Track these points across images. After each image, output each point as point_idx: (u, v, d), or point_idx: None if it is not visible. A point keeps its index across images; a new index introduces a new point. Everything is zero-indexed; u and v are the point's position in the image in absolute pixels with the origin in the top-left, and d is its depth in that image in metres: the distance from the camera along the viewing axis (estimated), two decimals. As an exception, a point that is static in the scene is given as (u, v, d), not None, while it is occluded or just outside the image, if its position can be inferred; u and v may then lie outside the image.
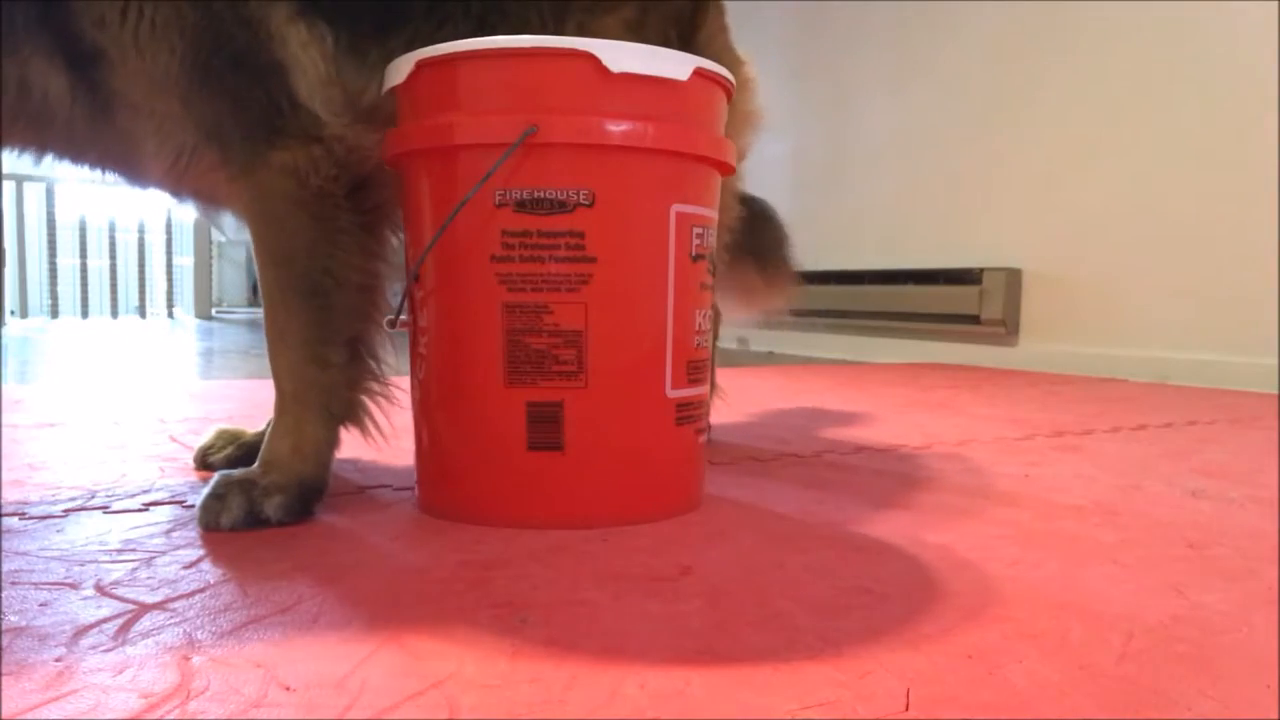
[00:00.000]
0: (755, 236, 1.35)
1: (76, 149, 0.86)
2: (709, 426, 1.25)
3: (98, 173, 0.90)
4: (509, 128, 0.73)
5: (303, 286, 0.82)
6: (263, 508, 0.77)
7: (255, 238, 0.84)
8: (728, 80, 0.83)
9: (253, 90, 0.81)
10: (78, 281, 5.96)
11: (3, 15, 0.77)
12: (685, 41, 1.02)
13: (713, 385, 1.28)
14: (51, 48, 0.79)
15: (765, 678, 0.47)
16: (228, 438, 1.02)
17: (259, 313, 1.10)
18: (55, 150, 0.86)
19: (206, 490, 0.78)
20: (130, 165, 0.87)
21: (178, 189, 0.89)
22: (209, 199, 0.90)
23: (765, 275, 1.38)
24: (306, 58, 0.82)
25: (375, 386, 0.86)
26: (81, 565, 0.65)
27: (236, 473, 0.80)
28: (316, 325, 0.82)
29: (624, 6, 0.97)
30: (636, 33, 0.96)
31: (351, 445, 0.85)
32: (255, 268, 0.87)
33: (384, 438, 0.86)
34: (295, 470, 0.81)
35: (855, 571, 0.66)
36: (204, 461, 1.00)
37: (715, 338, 1.29)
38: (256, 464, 0.81)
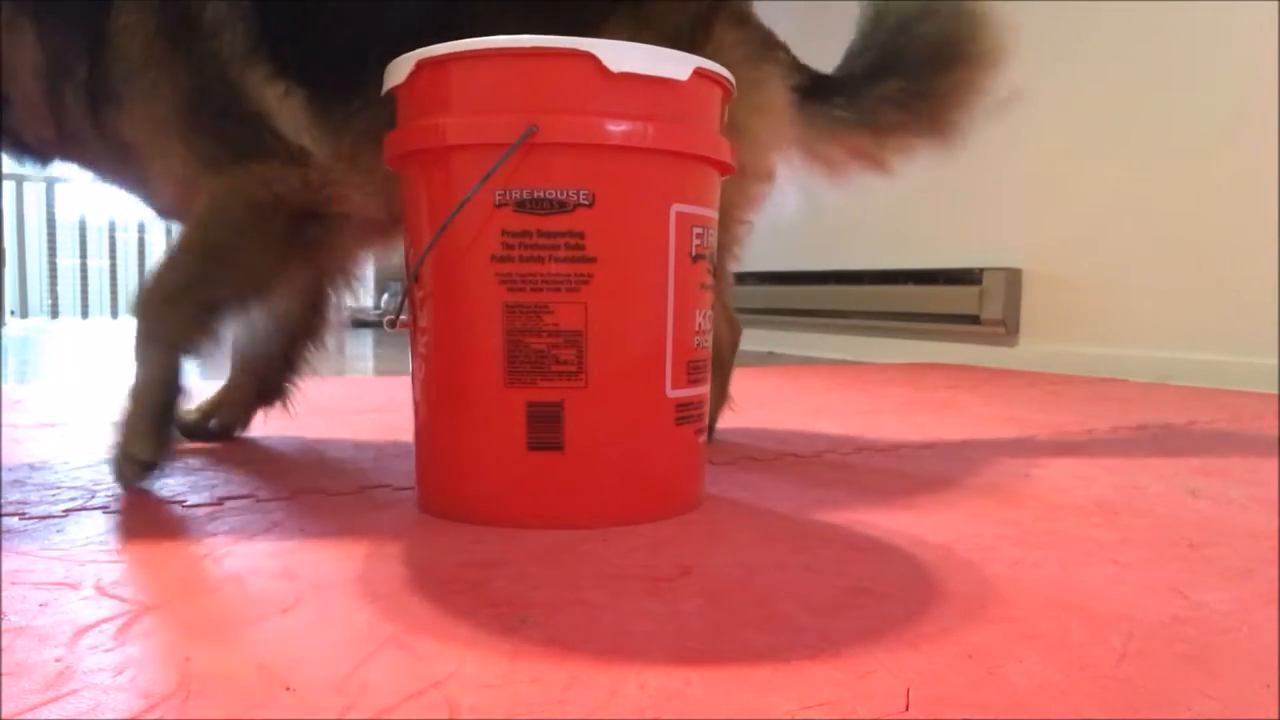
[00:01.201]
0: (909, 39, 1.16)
1: (110, 171, 1.03)
2: (714, 428, 1.25)
3: (126, 192, 1.07)
4: (508, 128, 0.73)
5: (199, 284, 0.93)
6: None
7: (190, 229, 0.95)
8: (728, 80, 0.83)
9: (240, 131, 0.94)
10: (78, 281, 5.95)
11: (67, 46, 0.94)
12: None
13: (725, 395, 1.27)
14: (88, 84, 0.94)
15: (765, 678, 0.47)
16: None
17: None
18: (99, 170, 1.03)
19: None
20: (148, 190, 1.02)
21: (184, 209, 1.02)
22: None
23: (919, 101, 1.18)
24: (284, 108, 0.95)
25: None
26: (81, 565, 0.65)
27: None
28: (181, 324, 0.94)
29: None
30: None
31: (353, 447, 0.85)
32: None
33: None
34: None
35: (855, 571, 0.66)
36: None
37: (734, 347, 1.28)
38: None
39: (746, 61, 1.09)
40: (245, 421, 1.20)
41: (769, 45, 1.16)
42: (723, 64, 1.05)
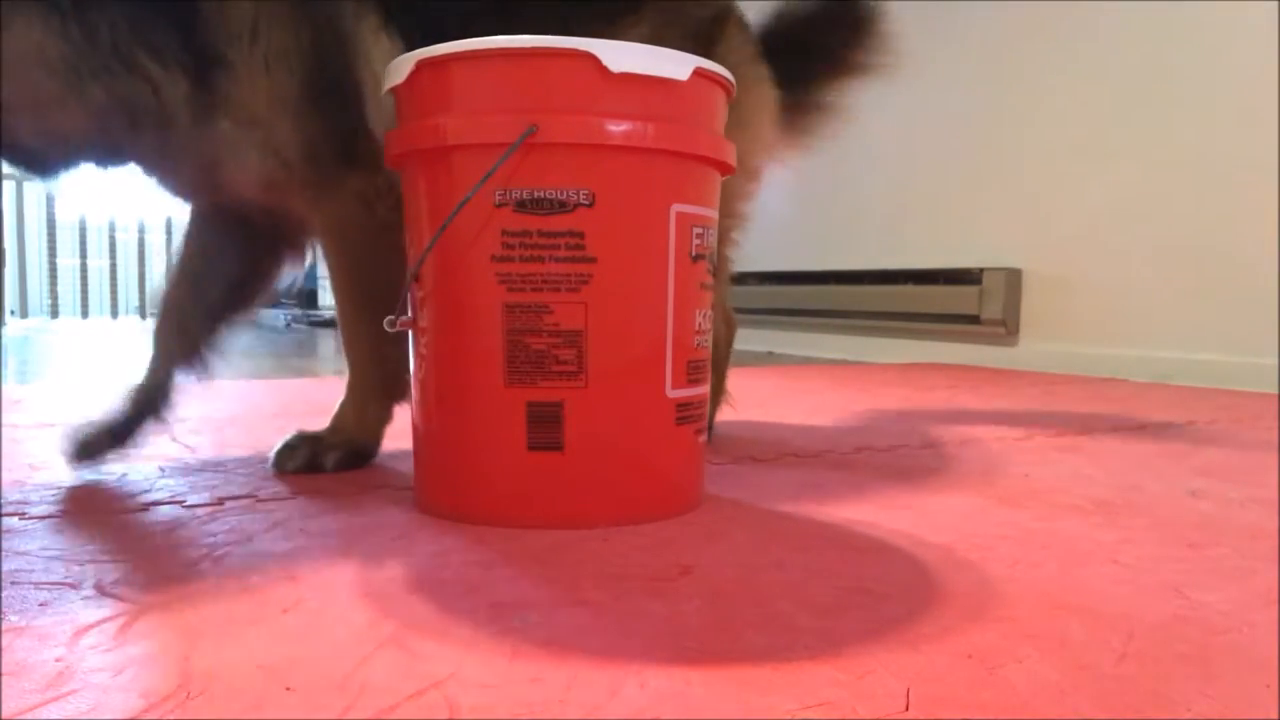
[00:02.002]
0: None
1: (164, 156, 0.93)
2: (712, 425, 1.25)
3: (154, 181, 0.97)
4: (508, 127, 0.73)
5: (368, 298, 0.97)
6: (323, 461, 0.96)
7: (330, 256, 0.99)
8: (728, 80, 0.83)
9: (343, 113, 0.92)
10: (78, 281, 5.96)
11: (144, 19, 0.84)
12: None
13: (722, 391, 1.27)
14: (181, 55, 0.86)
15: (765, 678, 0.47)
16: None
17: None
18: (143, 156, 0.93)
19: (281, 442, 0.98)
20: (211, 176, 0.94)
21: (263, 200, 0.98)
22: (273, 209, 1.00)
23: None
24: (378, 77, 0.91)
25: None
26: (81, 565, 0.65)
27: (310, 431, 0.98)
28: (379, 327, 0.97)
29: (634, 31, 1.00)
30: None
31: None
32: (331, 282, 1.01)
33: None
34: (353, 437, 0.99)
35: (855, 571, 0.66)
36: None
37: (729, 344, 1.29)
38: (328, 424, 1.00)
39: (753, 60, 1.13)
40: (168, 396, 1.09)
41: (757, 43, 1.19)
42: (732, 61, 1.07)
